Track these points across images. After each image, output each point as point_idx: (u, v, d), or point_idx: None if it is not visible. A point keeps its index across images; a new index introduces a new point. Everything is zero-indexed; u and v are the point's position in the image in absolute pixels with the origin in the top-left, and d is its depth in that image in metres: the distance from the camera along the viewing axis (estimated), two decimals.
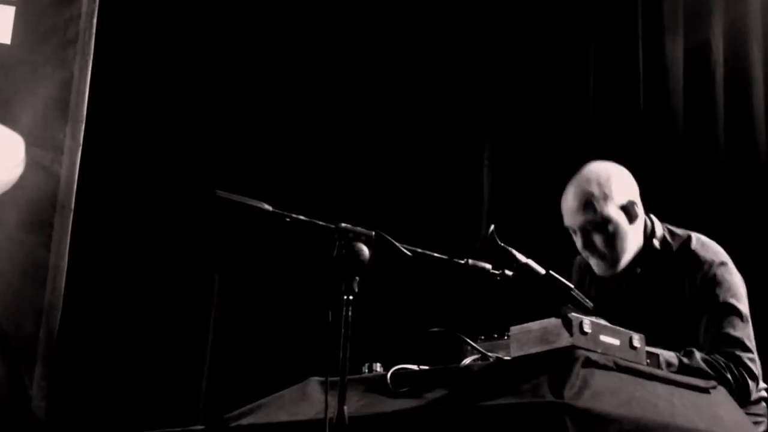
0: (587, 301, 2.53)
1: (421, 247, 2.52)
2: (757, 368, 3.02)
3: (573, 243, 3.47)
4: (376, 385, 2.53)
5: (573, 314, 2.38)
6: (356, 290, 2.28)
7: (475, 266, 2.57)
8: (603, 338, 2.41)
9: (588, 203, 3.16)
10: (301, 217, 2.39)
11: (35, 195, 3.92)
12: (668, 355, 2.84)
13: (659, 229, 3.25)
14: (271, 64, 4.74)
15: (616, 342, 2.43)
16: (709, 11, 4.73)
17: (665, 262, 3.19)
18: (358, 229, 2.36)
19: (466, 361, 2.61)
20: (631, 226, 3.18)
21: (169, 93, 4.54)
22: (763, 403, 3.17)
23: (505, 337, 2.56)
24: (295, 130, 4.71)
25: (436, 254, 2.54)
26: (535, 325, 2.43)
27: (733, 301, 3.08)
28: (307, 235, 2.39)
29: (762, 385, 3.13)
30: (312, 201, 3.16)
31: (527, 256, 2.58)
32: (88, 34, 4.10)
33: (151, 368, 4.26)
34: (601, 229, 3.16)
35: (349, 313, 2.25)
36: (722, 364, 2.96)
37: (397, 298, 4.37)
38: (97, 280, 4.27)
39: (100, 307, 4.27)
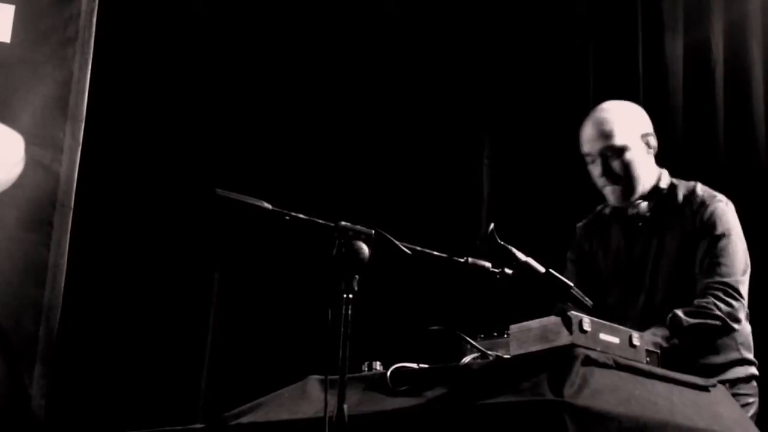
0: (587, 299, 2.53)
1: (420, 246, 2.52)
2: (744, 290, 3.14)
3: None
4: (375, 384, 2.53)
5: (572, 312, 2.38)
6: (356, 289, 2.28)
7: (474, 265, 2.57)
8: (602, 336, 2.41)
9: (609, 130, 3.27)
10: (301, 216, 2.39)
11: (35, 194, 3.91)
12: (659, 332, 2.95)
13: (666, 177, 3.36)
14: (270, 62, 4.74)
15: (615, 340, 2.44)
16: (708, 10, 4.73)
17: (671, 203, 3.29)
18: (358, 227, 2.36)
19: (466, 359, 2.61)
20: (648, 157, 3.32)
21: (169, 92, 4.54)
22: (754, 382, 3.21)
23: (505, 336, 2.57)
24: (294, 128, 4.71)
25: (435, 253, 2.54)
26: (534, 323, 2.43)
27: (731, 231, 3.20)
28: (306, 233, 2.39)
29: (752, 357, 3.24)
30: (312, 199, 3.16)
31: (527, 255, 2.58)
32: (87, 32, 4.10)
33: (151, 367, 4.26)
34: (621, 155, 3.26)
35: (349, 312, 2.25)
36: (705, 304, 3.06)
37: (397, 297, 4.37)
38: (96, 278, 4.27)
39: (100, 306, 4.27)
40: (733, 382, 3.08)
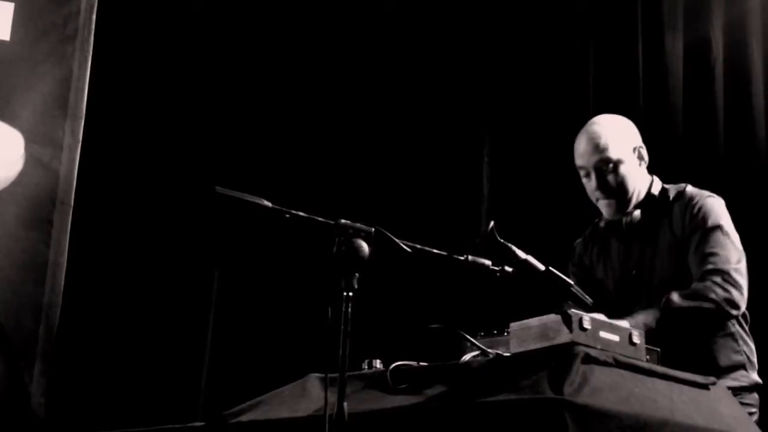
0: (587, 297, 2.53)
1: (420, 244, 2.52)
2: (742, 280, 3.15)
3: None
4: (375, 382, 2.53)
5: (572, 310, 2.38)
6: (356, 287, 2.28)
7: (474, 262, 2.57)
8: (602, 334, 2.41)
9: (603, 144, 3.29)
10: (301, 214, 2.39)
11: (35, 192, 3.91)
12: (651, 314, 2.98)
13: (658, 183, 3.38)
14: (270, 61, 4.74)
15: (615, 338, 2.44)
16: (708, 8, 4.73)
17: (662, 206, 3.31)
18: (358, 225, 2.36)
19: (466, 357, 2.60)
20: (640, 169, 3.35)
21: (169, 89, 4.54)
22: (756, 394, 3.20)
23: (505, 334, 2.57)
24: (294, 126, 4.71)
25: (435, 251, 2.54)
26: (534, 321, 2.43)
27: (721, 223, 3.22)
28: (306, 231, 2.39)
29: (751, 352, 3.24)
30: (311, 197, 3.16)
31: (527, 253, 2.58)
32: (87, 30, 4.09)
33: (151, 364, 4.26)
34: (615, 168, 3.29)
35: (349, 310, 2.25)
36: (702, 287, 3.08)
37: (397, 295, 4.37)
38: (96, 277, 4.27)
39: (100, 304, 4.27)
40: (736, 391, 3.06)
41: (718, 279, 3.09)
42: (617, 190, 3.29)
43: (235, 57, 4.67)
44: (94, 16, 4.12)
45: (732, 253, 3.17)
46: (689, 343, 3.01)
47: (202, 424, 2.74)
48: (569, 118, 4.61)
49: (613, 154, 3.27)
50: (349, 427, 2.18)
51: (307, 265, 3.78)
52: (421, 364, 2.55)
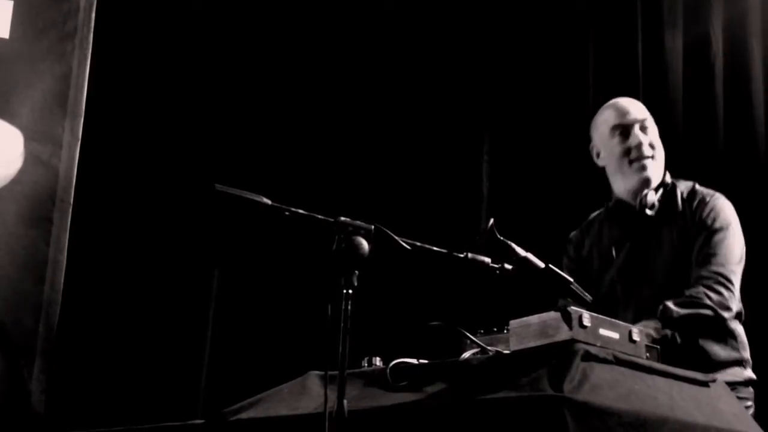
0: (586, 294, 2.53)
1: (420, 242, 2.52)
2: (735, 279, 3.16)
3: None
4: (375, 379, 2.53)
5: (572, 308, 2.38)
6: (355, 284, 2.28)
7: (474, 260, 2.56)
8: (602, 332, 2.41)
9: (644, 108, 3.39)
10: (300, 211, 2.39)
11: (34, 189, 3.91)
12: (651, 325, 2.96)
13: (668, 177, 3.39)
14: (270, 58, 4.74)
15: (615, 335, 2.43)
16: (708, 5, 4.72)
17: (674, 202, 3.31)
18: (358, 222, 2.36)
19: (466, 354, 2.60)
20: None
21: (168, 87, 4.53)
22: (751, 388, 3.21)
23: (505, 331, 2.56)
24: (294, 124, 4.71)
25: (435, 248, 2.53)
26: (534, 318, 2.43)
27: (727, 224, 3.22)
28: (306, 229, 2.38)
29: (747, 357, 3.24)
30: (311, 195, 3.16)
31: (526, 250, 2.58)
32: (86, 28, 4.09)
33: (151, 362, 4.26)
34: (653, 134, 3.35)
35: (349, 307, 2.25)
36: (695, 294, 3.07)
37: (397, 292, 4.37)
38: (96, 274, 4.27)
39: (100, 302, 4.27)
40: (731, 386, 3.07)
41: (712, 282, 3.10)
42: (655, 154, 3.32)
43: (235, 56, 4.67)
44: (93, 14, 4.12)
45: (733, 255, 3.17)
46: (685, 341, 3.02)
47: (202, 421, 2.74)
48: (569, 115, 4.62)
49: (651, 122, 3.35)
50: (349, 424, 2.18)
51: (306, 262, 3.78)
52: (421, 361, 2.55)
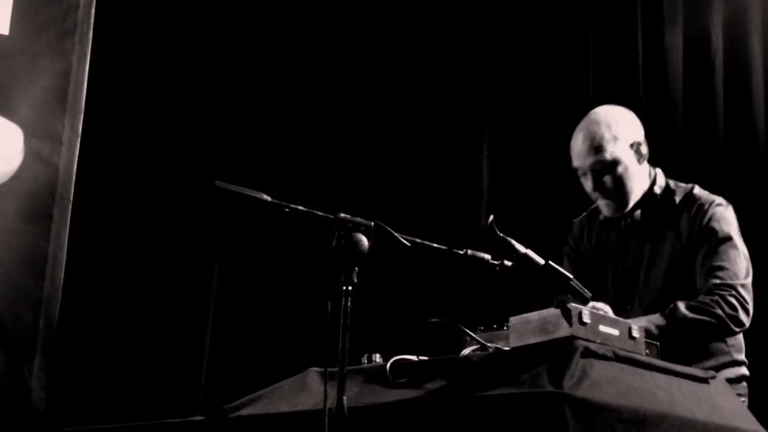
0: (586, 291, 2.53)
1: (420, 238, 2.52)
2: (749, 296, 3.10)
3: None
4: (375, 376, 2.53)
5: (572, 304, 2.38)
6: (355, 281, 2.28)
7: (474, 257, 2.56)
8: (602, 328, 2.41)
9: (598, 145, 3.23)
10: (300, 208, 2.39)
11: (34, 186, 3.91)
12: (654, 320, 2.94)
13: (661, 179, 3.32)
14: (270, 55, 4.73)
15: (615, 332, 2.44)
16: (708, 1, 4.72)
17: (666, 208, 3.26)
18: (358, 219, 2.36)
19: (466, 351, 2.60)
20: (640, 167, 3.28)
21: (168, 84, 4.53)
22: (744, 383, 3.21)
23: (505, 328, 2.56)
24: (294, 121, 4.71)
25: (435, 245, 2.53)
26: (534, 315, 2.43)
27: (731, 234, 3.17)
28: (306, 225, 2.38)
29: (743, 358, 3.23)
30: (311, 191, 3.16)
31: (526, 247, 2.58)
32: (86, 24, 4.09)
33: (151, 359, 4.26)
34: (611, 169, 3.23)
35: (349, 304, 2.25)
36: (709, 301, 3.04)
37: (397, 289, 4.37)
38: (96, 271, 4.27)
39: (100, 298, 4.27)
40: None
41: (726, 294, 3.05)
42: (614, 191, 3.24)
43: (235, 53, 4.67)
44: (93, 11, 4.11)
45: (741, 267, 3.12)
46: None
47: (202, 418, 2.75)
48: (569, 111, 4.61)
49: (609, 155, 3.20)
50: (349, 421, 2.18)
51: (306, 259, 3.78)
52: (421, 358, 2.55)
